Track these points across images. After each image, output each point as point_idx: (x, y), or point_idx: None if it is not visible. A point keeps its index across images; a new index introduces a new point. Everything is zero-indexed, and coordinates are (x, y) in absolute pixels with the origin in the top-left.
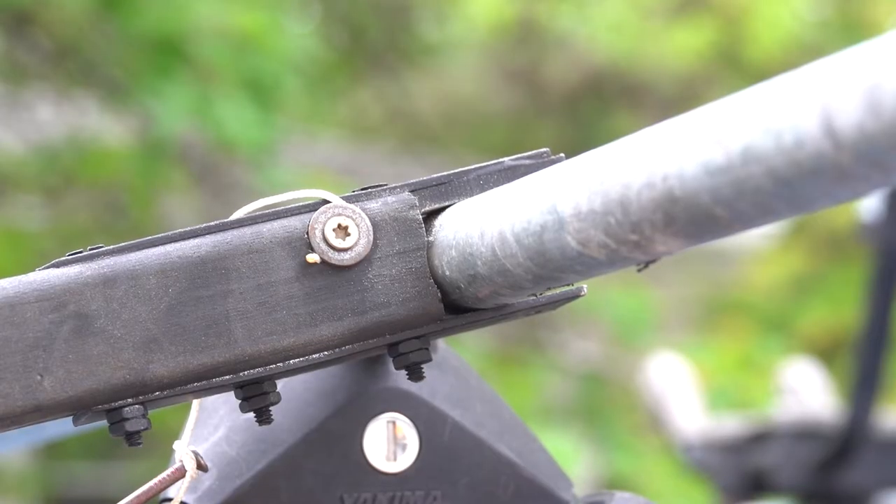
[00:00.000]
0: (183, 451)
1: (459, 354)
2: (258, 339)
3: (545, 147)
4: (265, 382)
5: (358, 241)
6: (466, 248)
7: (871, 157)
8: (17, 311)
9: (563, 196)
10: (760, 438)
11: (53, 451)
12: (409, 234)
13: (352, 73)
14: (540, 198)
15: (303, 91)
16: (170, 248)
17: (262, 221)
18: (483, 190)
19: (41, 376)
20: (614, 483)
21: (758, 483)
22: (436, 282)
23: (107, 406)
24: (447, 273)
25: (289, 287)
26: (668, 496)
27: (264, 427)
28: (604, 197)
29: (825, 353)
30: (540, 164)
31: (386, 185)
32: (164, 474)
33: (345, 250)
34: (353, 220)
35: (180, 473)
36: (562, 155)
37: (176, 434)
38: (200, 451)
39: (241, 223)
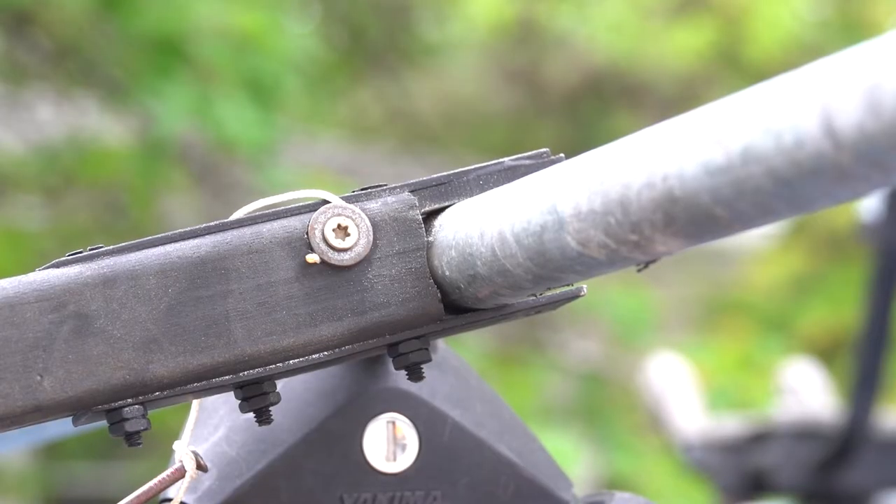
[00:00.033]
0: (183, 451)
1: (459, 354)
2: (258, 339)
3: (545, 147)
4: (265, 382)
5: (358, 242)
6: (466, 248)
7: (871, 157)
8: (17, 311)
9: (563, 196)
10: (760, 438)
11: (53, 451)
12: (408, 234)
13: (352, 73)
14: (540, 198)
15: (303, 91)
16: (170, 248)
17: (261, 221)
18: (483, 190)
19: (41, 376)
20: (614, 483)
21: (758, 483)
22: (436, 282)
23: (107, 406)
24: (447, 273)
25: (289, 287)
26: (668, 496)
27: (264, 427)
28: (604, 197)
29: (825, 353)
30: (540, 164)
31: (386, 185)
32: (164, 474)
33: (345, 250)
34: (352, 220)
35: (180, 473)
36: (562, 155)
37: (176, 434)
38: (200, 451)
39: (240, 223)
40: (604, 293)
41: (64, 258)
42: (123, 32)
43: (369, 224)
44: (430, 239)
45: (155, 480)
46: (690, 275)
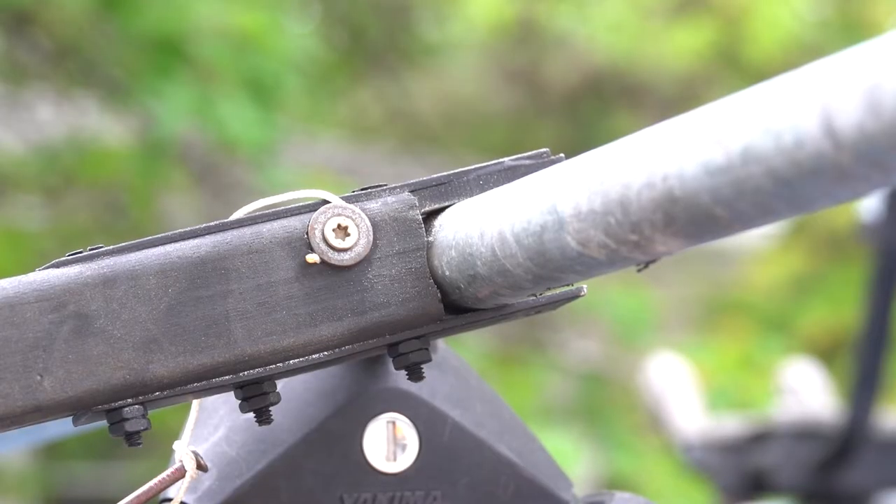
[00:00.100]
0: (183, 451)
1: (459, 354)
2: (258, 339)
3: (545, 147)
4: (265, 382)
5: (358, 242)
6: (466, 248)
7: (871, 157)
8: (17, 311)
9: (563, 196)
10: (760, 438)
11: (53, 451)
12: (408, 234)
13: (352, 73)
14: (540, 198)
15: (303, 91)
16: (170, 248)
17: (261, 222)
18: (483, 190)
19: (41, 376)
20: (614, 483)
21: (758, 483)
22: (436, 282)
23: (107, 406)
24: (447, 273)
25: (289, 287)
26: (668, 496)
27: (264, 427)
28: (604, 197)
29: (825, 353)
30: (540, 164)
31: (386, 185)
32: (164, 474)
33: (344, 250)
34: (352, 220)
35: (180, 473)
36: (562, 155)
37: (176, 434)
38: (200, 451)
39: (240, 223)
40: (604, 293)
41: (64, 258)
42: (123, 32)
43: (369, 224)
44: (430, 239)
45: (155, 480)
46: (690, 275)
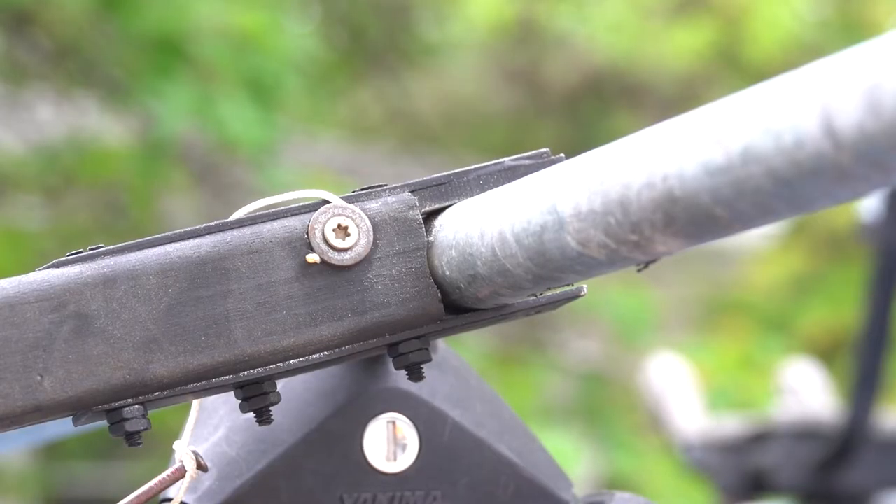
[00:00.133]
0: (183, 451)
1: (459, 354)
2: (258, 339)
3: (545, 147)
4: (265, 382)
5: (358, 242)
6: (466, 248)
7: (871, 157)
8: (17, 311)
9: (563, 196)
10: (760, 438)
11: (53, 451)
12: (409, 234)
13: (352, 73)
14: (540, 198)
15: (303, 91)
16: (170, 248)
17: (262, 222)
18: (483, 190)
19: (41, 376)
20: (614, 483)
21: (758, 483)
22: (436, 282)
23: (107, 406)
24: (447, 273)
25: (289, 287)
26: (668, 496)
27: (264, 427)
28: (604, 197)
29: (825, 353)
30: (540, 164)
31: (386, 185)
32: (164, 474)
33: (345, 250)
34: (353, 220)
35: (180, 473)
36: (562, 155)
37: (176, 434)
38: (200, 451)
39: (241, 223)
40: (604, 293)
41: (64, 258)
42: (123, 32)
43: (369, 224)
44: (431, 239)
45: (155, 480)
46: (690, 275)
